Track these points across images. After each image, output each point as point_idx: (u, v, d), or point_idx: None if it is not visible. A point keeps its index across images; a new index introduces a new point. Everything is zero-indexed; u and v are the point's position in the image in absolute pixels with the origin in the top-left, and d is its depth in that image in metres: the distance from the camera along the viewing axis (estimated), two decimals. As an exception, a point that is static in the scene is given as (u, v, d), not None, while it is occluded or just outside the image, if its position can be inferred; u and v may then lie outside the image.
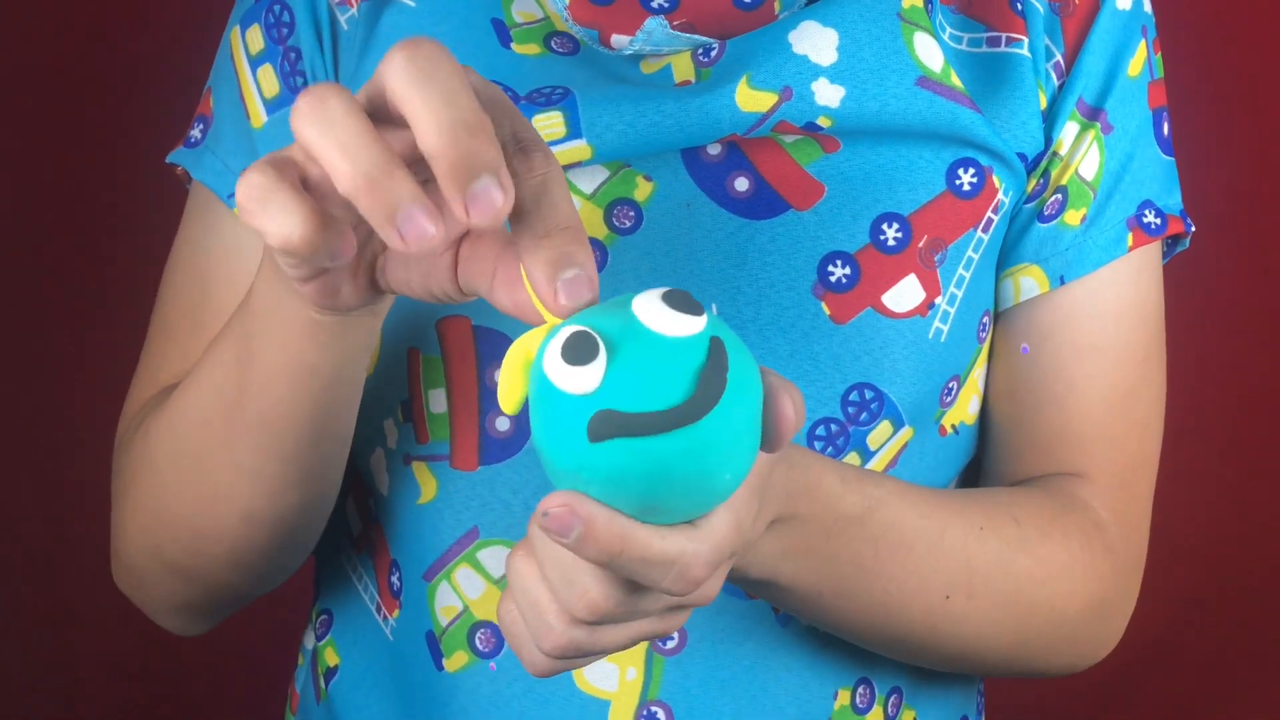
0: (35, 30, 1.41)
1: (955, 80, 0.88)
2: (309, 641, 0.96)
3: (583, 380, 0.59)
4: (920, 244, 0.86)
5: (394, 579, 0.89)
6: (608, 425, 0.58)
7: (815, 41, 0.87)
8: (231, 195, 0.91)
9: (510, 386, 0.63)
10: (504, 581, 0.86)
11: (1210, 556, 1.48)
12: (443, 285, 0.67)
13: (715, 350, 0.60)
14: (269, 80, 0.91)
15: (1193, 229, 0.94)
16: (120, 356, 1.42)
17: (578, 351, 0.59)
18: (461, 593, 0.87)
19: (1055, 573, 0.85)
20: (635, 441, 0.59)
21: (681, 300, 0.60)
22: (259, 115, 0.91)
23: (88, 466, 1.44)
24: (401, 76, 0.59)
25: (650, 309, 0.60)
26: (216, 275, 0.91)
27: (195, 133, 0.94)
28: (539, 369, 0.60)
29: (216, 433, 0.80)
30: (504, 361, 0.63)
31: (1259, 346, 1.50)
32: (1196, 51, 1.40)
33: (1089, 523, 0.88)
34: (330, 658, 0.93)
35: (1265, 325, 1.51)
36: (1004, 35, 0.89)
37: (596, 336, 0.59)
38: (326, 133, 0.59)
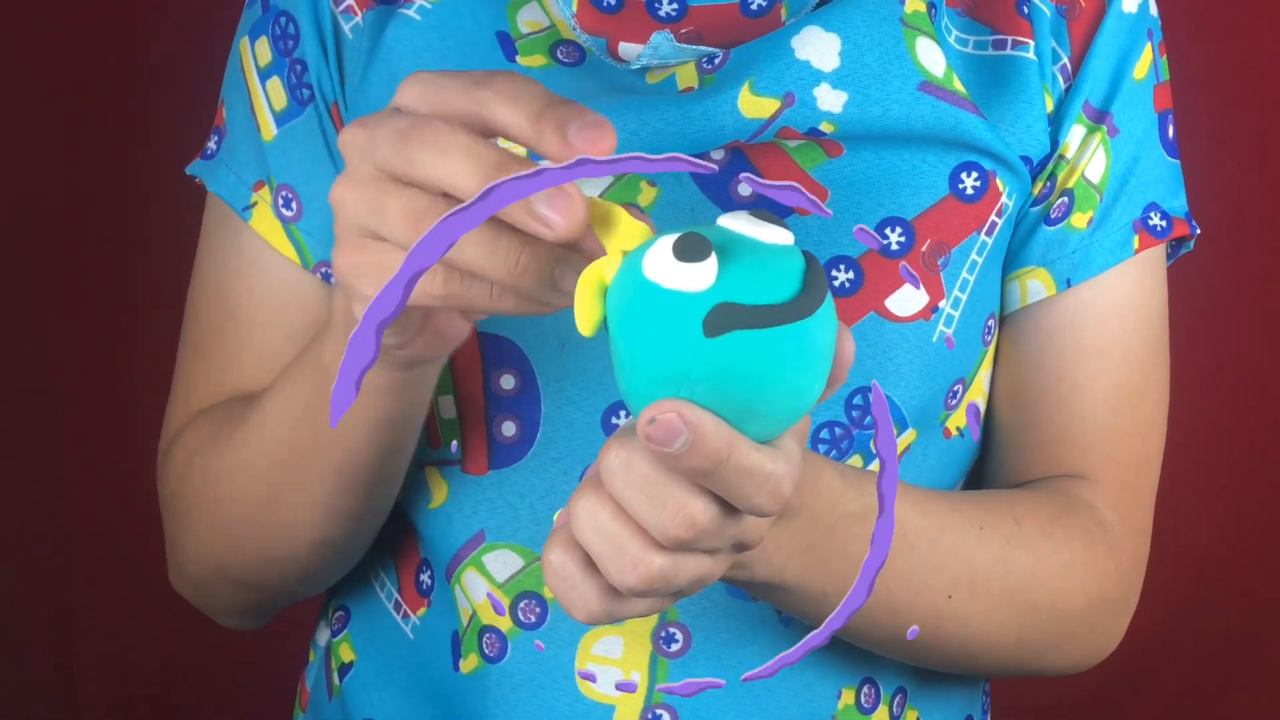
0: (47, 32, 1.41)
1: (957, 85, 0.88)
2: (322, 638, 0.97)
3: (697, 277, 0.59)
4: (923, 248, 0.86)
5: (424, 578, 0.90)
6: (728, 317, 0.58)
7: (818, 47, 0.87)
8: (246, 208, 0.92)
9: (587, 309, 0.62)
10: (507, 586, 0.86)
11: (1210, 557, 1.48)
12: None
13: (810, 259, 0.61)
14: (277, 93, 0.91)
15: (1198, 231, 0.94)
16: (125, 358, 1.43)
17: (690, 249, 0.59)
18: (469, 596, 0.87)
19: (1057, 571, 0.86)
20: (751, 335, 0.58)
21: (769, 216, 0.61)
22: (269, 128, 0.92)
23: (90, 467, 1.44)
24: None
25: (743, 223, 0.61)
26: (238, 290, 0.92)
27: (211, 145, 0.94)
28: (638, 275, 0.60)
29: (288, 477, 0.83)
30: (577, 288, 0.62)
31: (1261, 349, 1.50)
32: (1201, 54, 1.40)
33: (1091, 522, 0.88)
34: (345, 654, 0.94)
35: (1267, 328, 1.50)
36: (1010, 38, 0.89)
37: (706, 238, 0.59)
38: (498, 97, 0.63)
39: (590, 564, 0.64)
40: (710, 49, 0.87)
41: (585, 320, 0.62)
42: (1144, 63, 0.91)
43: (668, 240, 0.59)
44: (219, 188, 0.93)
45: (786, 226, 0.61)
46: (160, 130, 1.37)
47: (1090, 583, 0.87)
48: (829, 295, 0.61)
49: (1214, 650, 1.49)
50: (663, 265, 0.59)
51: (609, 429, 0.84)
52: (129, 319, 1.41)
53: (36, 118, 1.43)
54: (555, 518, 0.66)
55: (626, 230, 0.63)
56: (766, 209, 0.61)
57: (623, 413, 0.84)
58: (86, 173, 1.44)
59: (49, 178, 1.44)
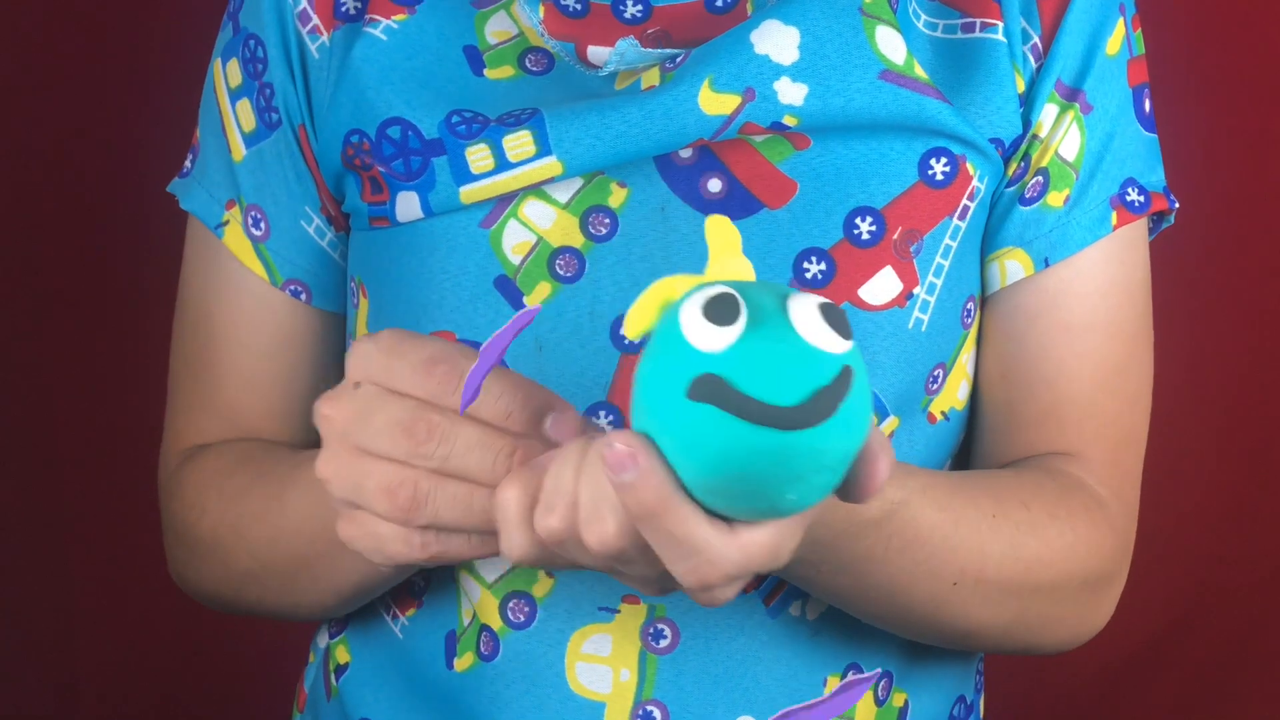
0: (44, 37, 1.41)
1: (919, 71, 0.88)
2: (322, 639, 0.98)
3: (710, 339, 0.58)
4: (895, 236, 0.86)
5: (417, 578, 0.90)
6: (710, 390, 0.58)
7: (777, 40, 0.87)
8: (219, 226, 0.93)
9: (640, 315, 0.62)
10: (496, 586, 0.87)
11: (1210, 557, 1.46)
12: None
13: (842, 377, 0.59)
14: (246, 115, 0.93)
15: (1176, 205, 0.94)
16: (125, 358, 1.42)
17: (720, 311, 0.58)
18: (469, 596, 0.88)
19: (1061, 554, 0.86)
20: (724, 417, 0.58)
21: (836, 317, 0.59)
22: (239, 149, 0.93)
23: (90, 469, 1.44)
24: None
25: (802, 312, 0.59)
26: (216, 308, 0.94)
27: (188, 163, 0.96)
28: (675, 310, 0.60)
29: (296, 582, 0.88)
30: (645, 291, 0.62)
31: (1258, 343, 1.48)
32: (1180, 30, 1.38)
33: (1091, 501, 0.88)
34: (341, 655, 0.95)
35: (1264, 321, 1.48)
36: (978, 20, 0.89)
37: (742, 308, 0.58)
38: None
39: (526, 517, 0.67)
40: (676, 51, 0.87)
41: (632, 325, 0.62)
42: (1116, 38, 0.91)
43: (715, 290, 0.59)
44: (192, 205, 0.95)
45: (849, 337, 0.59)
46: (164, 139, 1.36)
47: (1090, 562, 0.87)
48: (838, 419, 0.58)
49: (1214, 650, 1.48)
50: (691, 312, 0.59)
51: None
52: (129, 322, 1.41)
53: (38, 123, 1.43)
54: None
55: (730, 267, 0.63)
56: (836, 307, 0.60)
57: (602, 412, 0.84)
58: (86, 181, 1.44)
59: (50, 183, 1.44)
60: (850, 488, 0.62)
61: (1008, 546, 0.83)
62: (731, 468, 0.59)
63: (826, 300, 0.60)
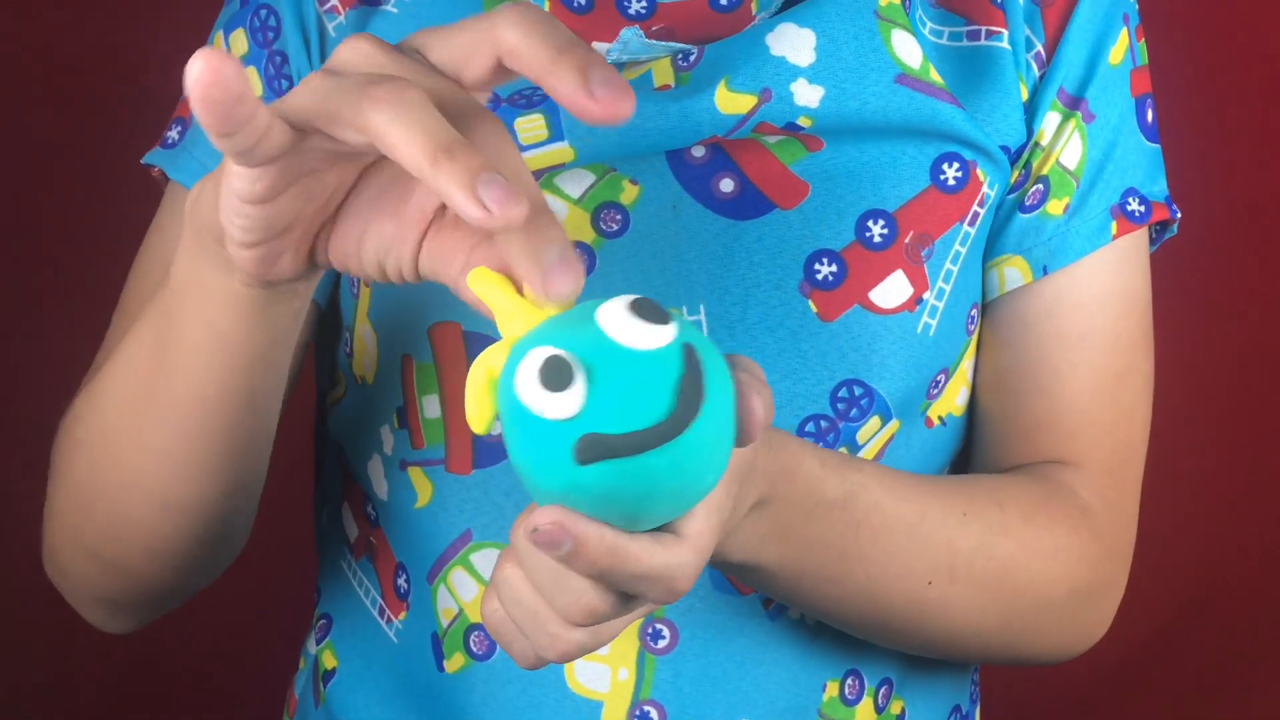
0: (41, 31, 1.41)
1: (934, 76, 0.88)
2: (310, 646, 0.97)
3: (563, 406, 0.57)
4: (906, 240, 0.86)
5: (400, 582, 0.90)
6: (595, 449, 0.57)
7: (793, 43, 0.87)
8: None
9: (479, 409, 0.61)
10: None
11: (1210, 556, 1.47)
12: (400, 264, 0.65)
13: (689, 360, 0.58)
14: (253, 82, 0.91)
15: (1179, 215, 0.94)
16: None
17: (555, 377, 0.57)
18: (456, 595, 0.87)
19: (1039, 557, 0.86)
20: (623, 462, 0.58)
21: (650, 310, 0.58)
22: None
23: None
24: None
25: (620, 323, 0.58)
26: None
27: (173, 134, 0.94)
28: (511, 394, 0.59)
29: (133, 414, 0.79)
30: (468, 383, 0.61)
31: (1261, 344, 1.49)
32: (1185, 39, 1.39)
33: (1074, 507, 0.88)
34: (328, 661, 0.94)
35: (1266, 322, 1.49)
36: (984, 28, 0.89)
37: (571, 360, 0.57)
38: (400, 115, 0.58)
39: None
40: (681, 46, 0.87)
41: (477, 420, 0.61)
42: (1120, 47, 0.91)
43: (536, 358, 0.58)
44: (181, 175, 0.92)
45: (669, 320, 0.59)
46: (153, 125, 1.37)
47: (1074, 569, 0.87)
48: (709, 394, 0.58)
49: (1213, 650, 1.49)
50: (530, 390, 0.58)
51: None
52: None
53: (28, 115, 1.43)
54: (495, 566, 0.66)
55: (518, 314, 0.61)
56: (643, 299, 0.58)
57: None
58: (74, 172, 1.44)
59: (41, 178, 1.44)
60: (740, 433, 0.62)
61: (978, 544, 0.83)
62: (652, 495, 0.59)
63: (631, 297, 0.59)
